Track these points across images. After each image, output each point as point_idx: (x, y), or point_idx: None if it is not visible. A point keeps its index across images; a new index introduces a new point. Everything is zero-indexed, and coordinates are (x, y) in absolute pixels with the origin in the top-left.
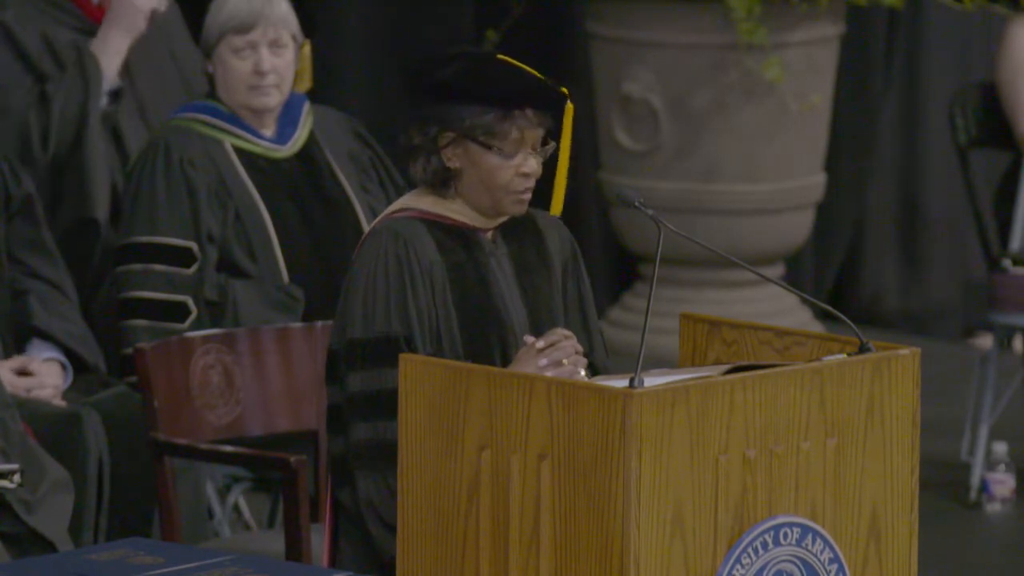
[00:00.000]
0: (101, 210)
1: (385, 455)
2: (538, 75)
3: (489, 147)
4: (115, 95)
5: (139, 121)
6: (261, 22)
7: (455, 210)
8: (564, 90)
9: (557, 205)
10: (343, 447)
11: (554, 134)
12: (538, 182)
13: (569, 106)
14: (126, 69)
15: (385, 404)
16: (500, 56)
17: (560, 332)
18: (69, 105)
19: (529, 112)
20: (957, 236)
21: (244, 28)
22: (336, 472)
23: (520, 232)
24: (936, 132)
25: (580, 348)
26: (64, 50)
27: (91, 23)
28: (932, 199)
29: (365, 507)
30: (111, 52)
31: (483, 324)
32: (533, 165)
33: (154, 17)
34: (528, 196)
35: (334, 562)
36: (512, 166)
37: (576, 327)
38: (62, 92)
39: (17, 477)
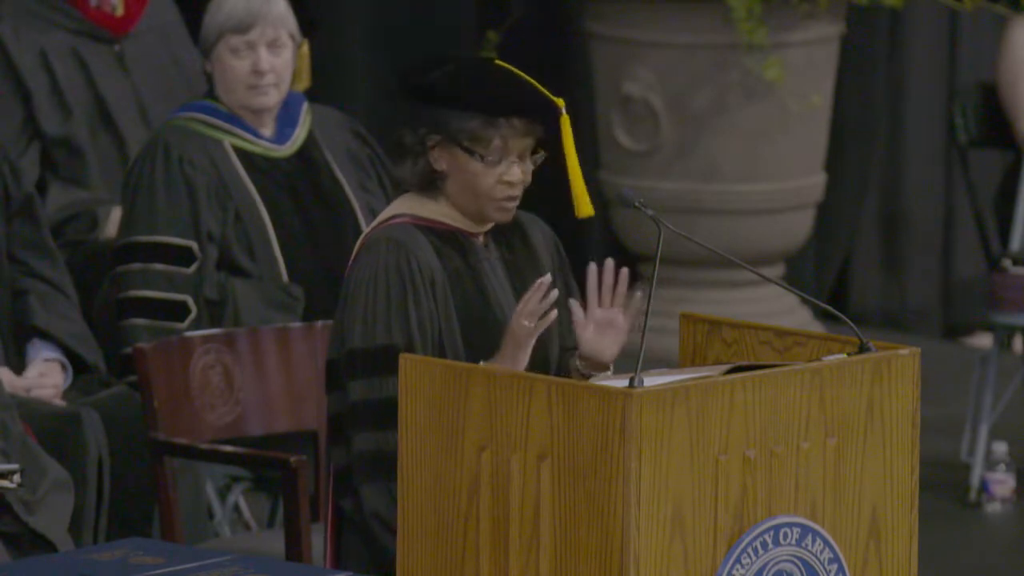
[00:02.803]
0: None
1: (388, 466)
2: (535, 84)
3: (472, 153)
4: None
5: (139, 120)
6: (259, 22)
7: (448, 215)
8: (559, 101)
9: (584, 207)
10: (345, 457)
11: (547, 143)
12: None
13: (565, 117)
14: (126, 71)
15: (387, 414)
16: (498, 62)
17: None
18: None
19: (515, 121)
20: (938, 237)
21: (242, 28)
22: (339, 480)
23: (508, 234)
24: (919, 132)
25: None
26: (59, 67)
27: (89, 24)
28: (914, 200)
29: (371, 518)
30: None
31: (483, 332)
32: (517, 174)
33: None
34: (512, 205)
35: (337, 563)
36: (495, 174)
37: (564, 322)
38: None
39: (17, 477)
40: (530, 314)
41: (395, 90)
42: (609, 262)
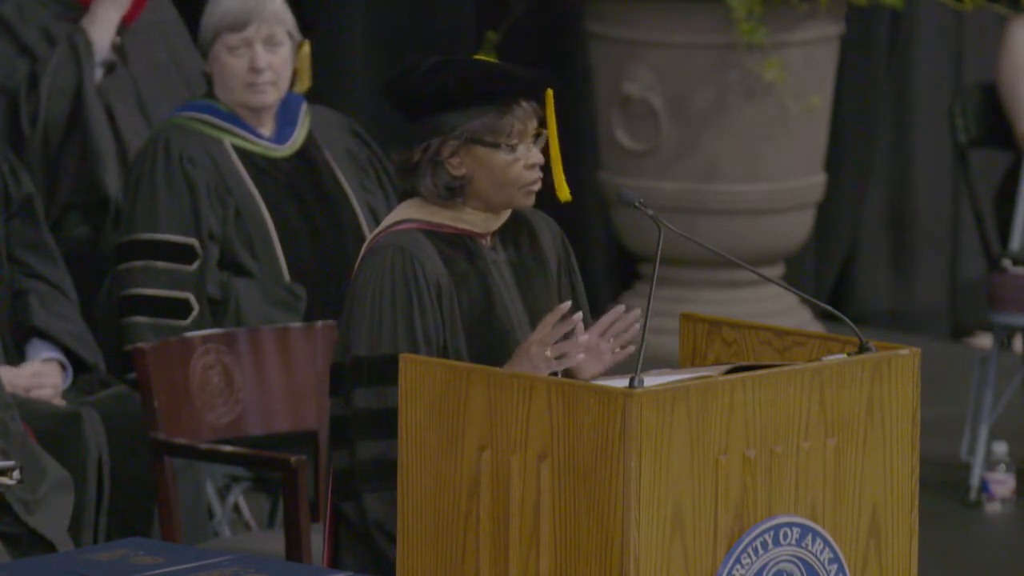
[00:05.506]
0: (111, 182)
1: (391, 474)
2: (516, 67)
3: (497, 146)
4: (109, 68)
5: (138, 115)
6: (255, 19)
7: (455, 218)
8: (544, 75)
9: (562, 190)
10: (348, 462)
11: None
12: (552, 186)
13: (548, 92)
14: (124, 62)
15: (390, 423)
16: (476, 57)
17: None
18: (59, 80)
19: (523, 103)
20: (945, 236)
21: (238, 25)
22: (339, 484)
23: (516, 234)
24: (926, 132)
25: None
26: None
27: None
28: (921, 200)
29: (373, 526)
30: (100, 24)
31: (489, 336)
32: (538, 155)
33: None
34: (538, 186)
35: (334, 563)
36: (520, 160)
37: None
38: (51, 69)
39: (16, 474)
40: (545, 342)
41: (394, 108)
42: (623, 311)
